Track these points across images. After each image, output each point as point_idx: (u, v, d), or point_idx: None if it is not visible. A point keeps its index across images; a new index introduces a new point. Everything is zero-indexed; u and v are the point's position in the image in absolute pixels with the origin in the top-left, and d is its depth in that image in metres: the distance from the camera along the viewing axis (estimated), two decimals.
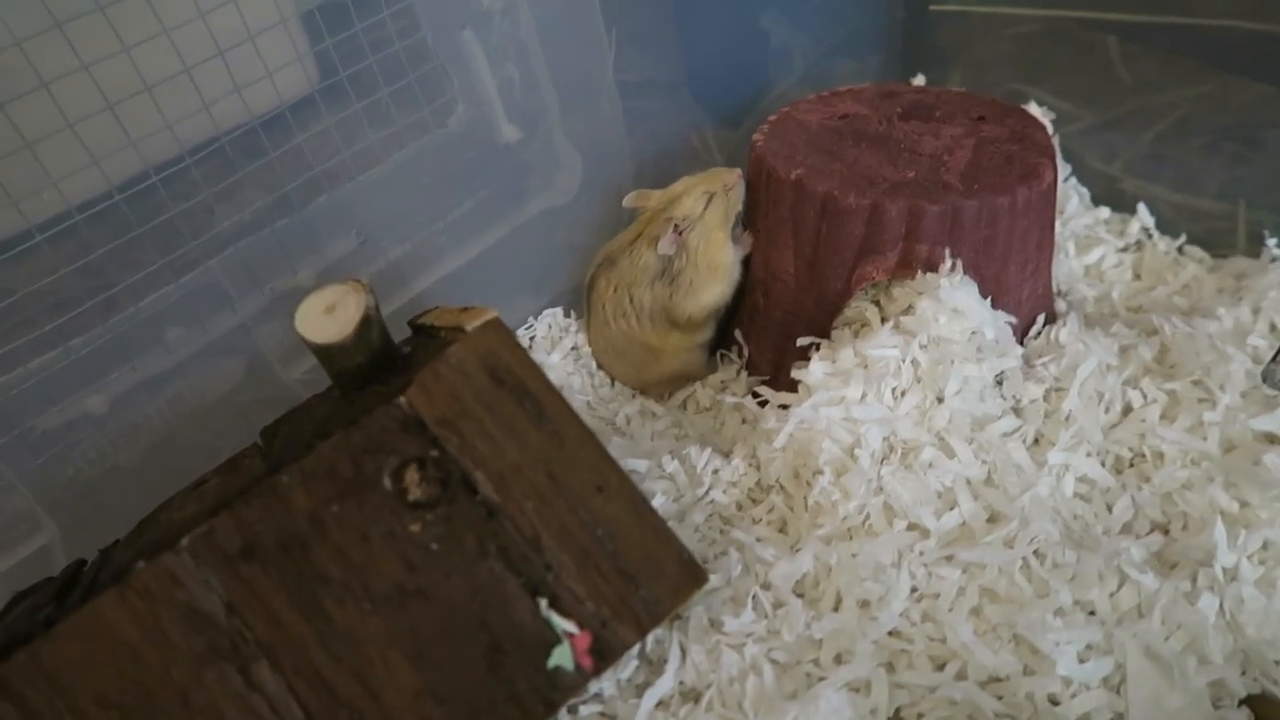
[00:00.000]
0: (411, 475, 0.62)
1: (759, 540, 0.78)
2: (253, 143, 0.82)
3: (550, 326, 1.08)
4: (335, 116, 0.87)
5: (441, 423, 0.63)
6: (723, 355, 1.03)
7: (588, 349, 1.05)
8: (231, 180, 0.82)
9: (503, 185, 1.01)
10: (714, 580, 0.73)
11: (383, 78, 0.88)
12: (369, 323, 0.67)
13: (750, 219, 0.96)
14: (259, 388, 0.88)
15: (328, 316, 0.67)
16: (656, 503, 0.81)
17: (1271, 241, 1.02)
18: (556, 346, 1.05)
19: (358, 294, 0.68)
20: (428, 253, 0.97)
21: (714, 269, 0.92)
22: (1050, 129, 1.14)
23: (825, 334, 0.88)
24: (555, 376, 1.01)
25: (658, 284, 0.93)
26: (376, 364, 0.70)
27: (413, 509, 0.62)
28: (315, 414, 0.73)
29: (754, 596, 0.73)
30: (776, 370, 0.93)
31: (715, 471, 0.85)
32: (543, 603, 0.63)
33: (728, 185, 0.92)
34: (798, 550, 0.75)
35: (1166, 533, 0.79)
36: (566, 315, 1.10)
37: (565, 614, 0.63)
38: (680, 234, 0.90)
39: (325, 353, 0.68)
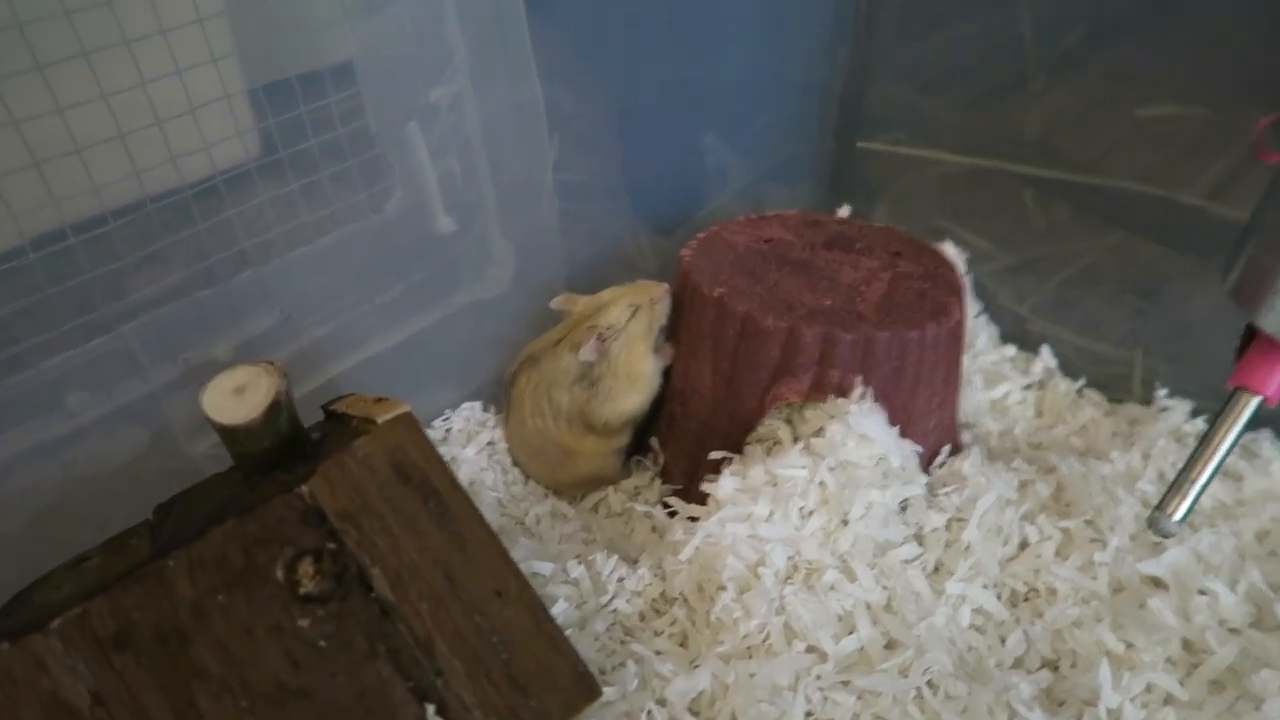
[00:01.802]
0: (306, 567, 0.60)
1: (658, 654, 0.77)
2: (181, 210, 0.81)
3: (468, 419, 1.07)
4: (271, 192, 0.86)
5: (342, 516, 0.61)
6: (638, 461, 1.03)
7: (504, 445, 1.05)
8: (155, 246, 0.80)
9: (434, 274, 1.01)
10: (609, 694, 0.72)
11: (323, 159, 0.88)
12: (278, 407, 0.66)
13: (673, 330, 0.98)
14: (161, 459, 0.85)
15: (236, 397, 0.65)
16: (559, 609, 0.80)
17: (1162, 392, 1.07)
18: (472, 440, 1.04)
19: (270, 377, 0.66)
20: (351, 335, 0.96)
21: (633, 379, 0.93)
22: (963, 268, 1.19)
23: (738, 449, 0.89)
24: (469, 471, 1.00)
25: (577, 387, 0.93)
26: (282, 449, 0.68)
27: (303, 603, 0.60)
28: (212, 495, 0.71)
29: (648, 713, 0.71)
30: (690, 480, 0.94)
31: (620, 580, 0.84)
32: (430, 709, 0.61)
33: (654, 299, 0.94)
34: (696, 667, 0.75)
35: (1056, 669, 0.80)
36: (485, 409, 1.09)
37: None
38: (603, 342, 0.91)
39: (230, 434, 0.66)
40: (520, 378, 0.98)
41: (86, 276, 0.76)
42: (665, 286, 0.95)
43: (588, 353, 0.90)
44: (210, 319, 0.85)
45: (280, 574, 0.60)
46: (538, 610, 0.65)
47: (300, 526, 0.61)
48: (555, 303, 0.98)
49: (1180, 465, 0.76)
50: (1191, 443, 1.00)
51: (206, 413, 0.65)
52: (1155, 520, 0.77)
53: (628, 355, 0.93)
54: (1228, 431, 0.75)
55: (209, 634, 0.58)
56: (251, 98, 0.84)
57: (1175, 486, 0.76)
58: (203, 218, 0.82)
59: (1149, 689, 0.77)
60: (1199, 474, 0.76)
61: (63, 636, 0.55)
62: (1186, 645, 0.79)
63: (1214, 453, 0.76)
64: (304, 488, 0.61)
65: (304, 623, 0.59)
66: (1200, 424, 1.03)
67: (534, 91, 0.98)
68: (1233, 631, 0.79)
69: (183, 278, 0.83)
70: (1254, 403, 0.74)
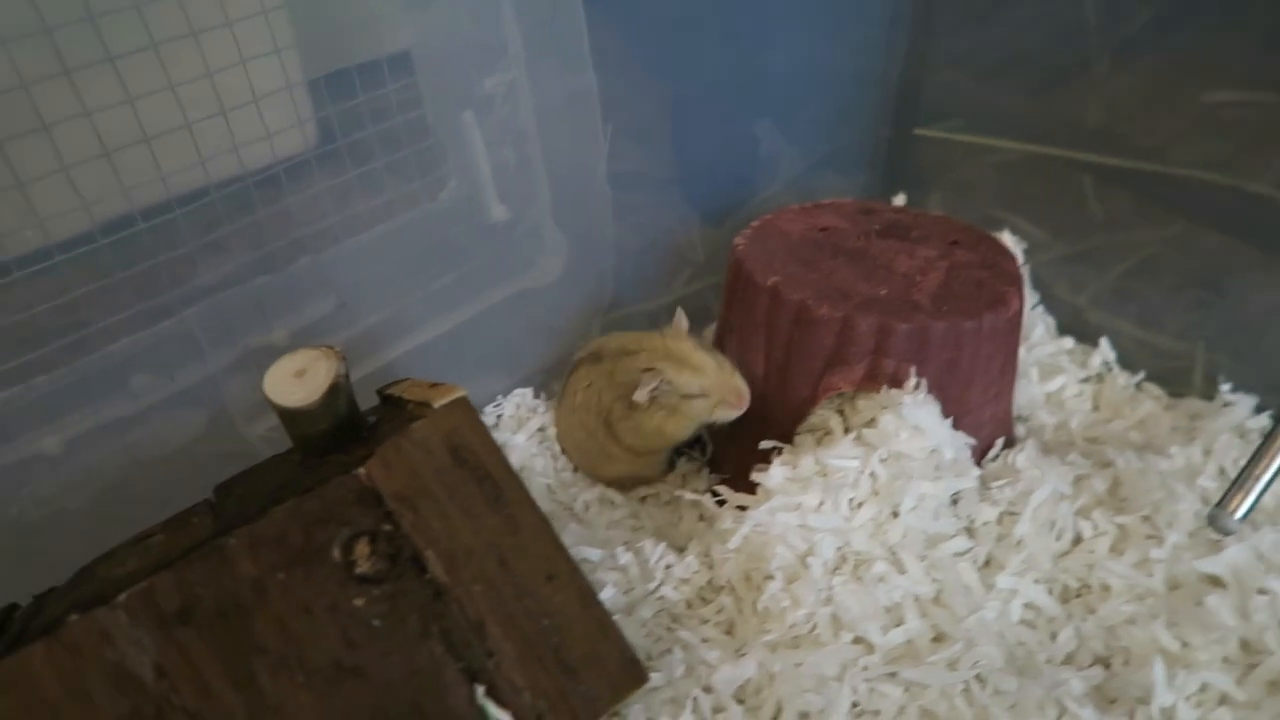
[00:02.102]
0: (362, 548, 0.62)
1: (704, 641, 0.77)
2: (242, 198, 0.83)
3: (519, 406, 1.08)
4: (328, 181, 0.88)
5: (398, 498, 0.62)
6: (687, 453, 1.03)
7: (554, 431, 1.05)
8: (218, 234, 0.82)
9: (486, 262, 1.02)
10: (655, 680, 0.72)
11: (380, 148, 0.89)
12: (337, 390, 0.67)
13: (726, 318, 0.98)
14: (219, 441, 0.87)
15: (296, 381, 0.67)
16: (606, 594, 0.80)
17: (1225, 386, 1.05)
18: (523, 427, 1.05)
19: (329, 360, 0.68)
20: (405, 321, 0.97)
21: (661, 435, 0.92)
22: (1021, 258, 1.17)
23: (789, 438, 0.89)
24: (519, 457, 1.01)
25: (620, 404, 0.93)
26: (340, 431, 0.69)
27: (359, 583, 0.61)
28: (272, 476, 0.72)
29: (694, 700, 0.72)
30: (738, 470, 0.94)
31: (668, 567, 0.85)
32: (480, 690, 0.62)
33: (727, 403, 0.89)
34: (742, 655, 0.75)
35: (1108, 666, 0.79)
36: (536, 396, 1.10)
37: (502, 703, 0.62)
38: (655, 392, 0.89)
39: (290, 416, 0.68)
40: (581, 368, 0.98)
41: (152, 262, 0.78)
42: (746, 400, 0.89)
43: (640, 395, 0.89)
44: (268, 305, 0.87)
45: (337, 554, 0.61)
46: (587, 595, 0.65)
47: (357, 508, 0.62)
48: (677, 319, 0.95)
49: (1243, 462, 0.75)
50: (1255, 439, 0.97)
51: (268, 395, 0.67)
52: (1216, 517, 0.75)
53: (666, 420, 0.91)
54: None
55: (268, 610, 0.59)
56: (311, 88, 0.85)
57: (1237, 483, 0.75)
58: (263, 205, 0.84)
59: (1204, 688, 0.75)
60: (1263, 471, 0.74)
61: (128, 610, 0.57)
62: (1244, 645, 0.77)
63: (1279, 449, 0.74)
64: (361, 470, 0.62)
65: (359, 602, 0.61)
66: (1265, 420, 1.01)
67: (588, 81, 0.98)
68: None
69: (243, 264, 0.85)
70: None
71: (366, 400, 0.79)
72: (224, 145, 0.80)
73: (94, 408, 0.80)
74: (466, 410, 0.65)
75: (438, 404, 0.65)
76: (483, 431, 0.65)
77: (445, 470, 0.64)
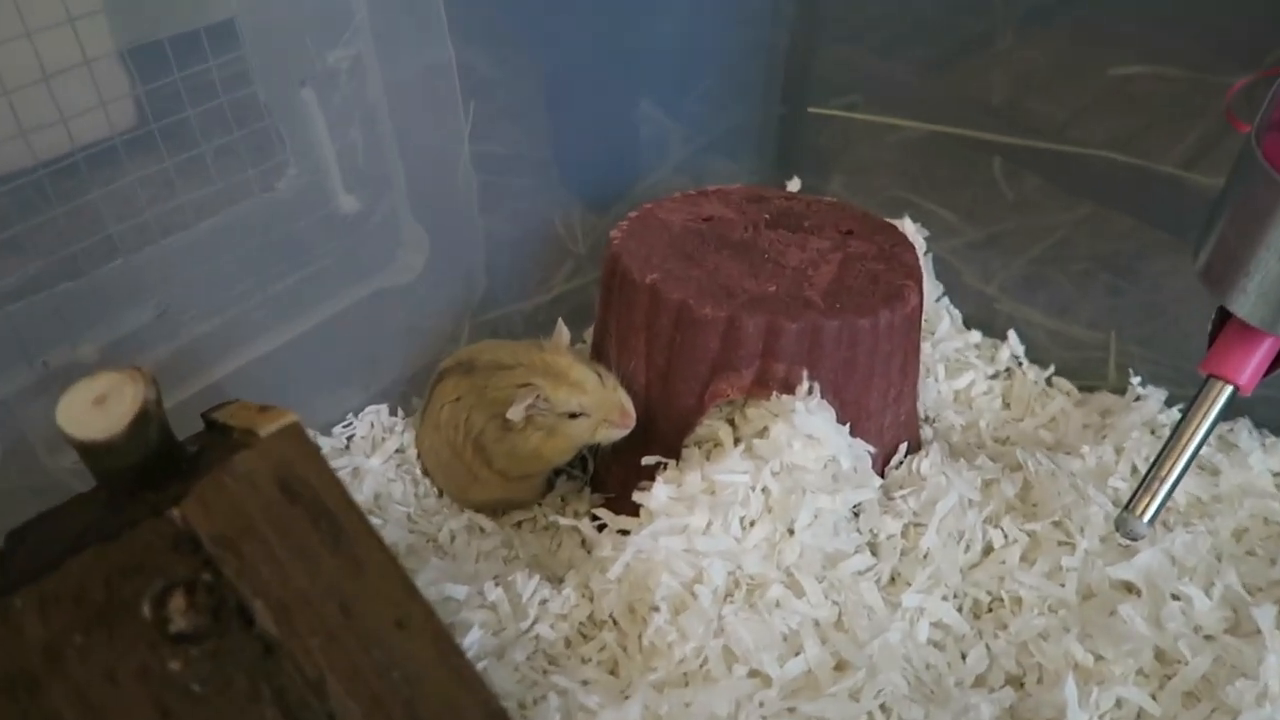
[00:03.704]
0: (177, 602, 0.59)
1: (585, 684, 0.77)
2: (36, 191, 0.79)
3: (374, 425, 1.05)
4: (144, 170, 0.84)
5: (219, 541, 0.60)
6: (566, 471, 1.03)
7: (415, 452, 1.03)
8: (9, 232, 0.78)
9: (334, 260, 0.99)
10: None
11: (205, 131, 0.86)
12: (145, 418, 0.64)
13: (603, 321, 0.97)
14: (19, 476, 0.83)
15: (96, 409, 0.63)
16: (473, 637, 0.79)
17: (1136, 379, 1.09)
18: (378, 449, 1.03)
19: (135, 384, 0.64)
20: (240, 331, 0.94)
21: (538, 459, 0.92)
22: (923, 246, 1.20)
23: (675, 453, 0.89)
24: (374, 484, 0.99)
25: (493, 424, 0.91)
26: (153, 465, 0.66)
27: (175, 642, 0.58)
28: (74, 520, 0.68)
29: None
30: (622, 488, 0.93)
31: (543, 602, 0.84)
32: None
33: (610, 423, 0.89)
34: (627, 698, 0.74)
35: (1021, 686, 0.82)
36: (394, 413, 1.08)
37: None
38: (531, 410, 0.88)
39: (90, 451, 0.64)
40: (448, 379, 0.96)
41: None
42: (632, 420, 0.90)
43: (515, 413, 0.88)
44: (73, 316, 0.83)
45: (148, 610, 0.58)
46: (444, 641, 0.64)
47: (171, 554, 0.59)
48: (558, 332, 0.94)
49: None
50: (1167, 434, 1.02)
51: (62, 427, 0.63)
52: (1123, 522, 0.78)
53: (544, 442, 0.90)
54: (1200, 423, 0.77)
55: (65, 681, 0.56)
56: (118, 61, 0.82)
57: (1144, 485, 0.77)
58: (61, 200, 0.80)
59: (1119, 704, 0.78)
60: (1169, 470, 0.77)
61: None
62: (1159, 655, 0.81)
63: (1185, 447, 0.77)
64: (175, 510, 0.59)
65: (175, 664, 0.58)
66: (1176, 414, 1.05)
67: (446, 54, 0.96)
68: (1208, 639, 0.81)
69: (41, 268, 0.81)
70: (1227, 392, 0.75)
71: (192, 424, 0.75)
72: (8, 130, 0.75)
73: None
74: (298, 438, 0.63)
75: (264, 432, 0.62)
76: (318, 462, 0.63)
77: (274, 508, 0.61)
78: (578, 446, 0.92)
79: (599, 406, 0.88)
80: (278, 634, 0.60)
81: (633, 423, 0.89)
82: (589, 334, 1.15)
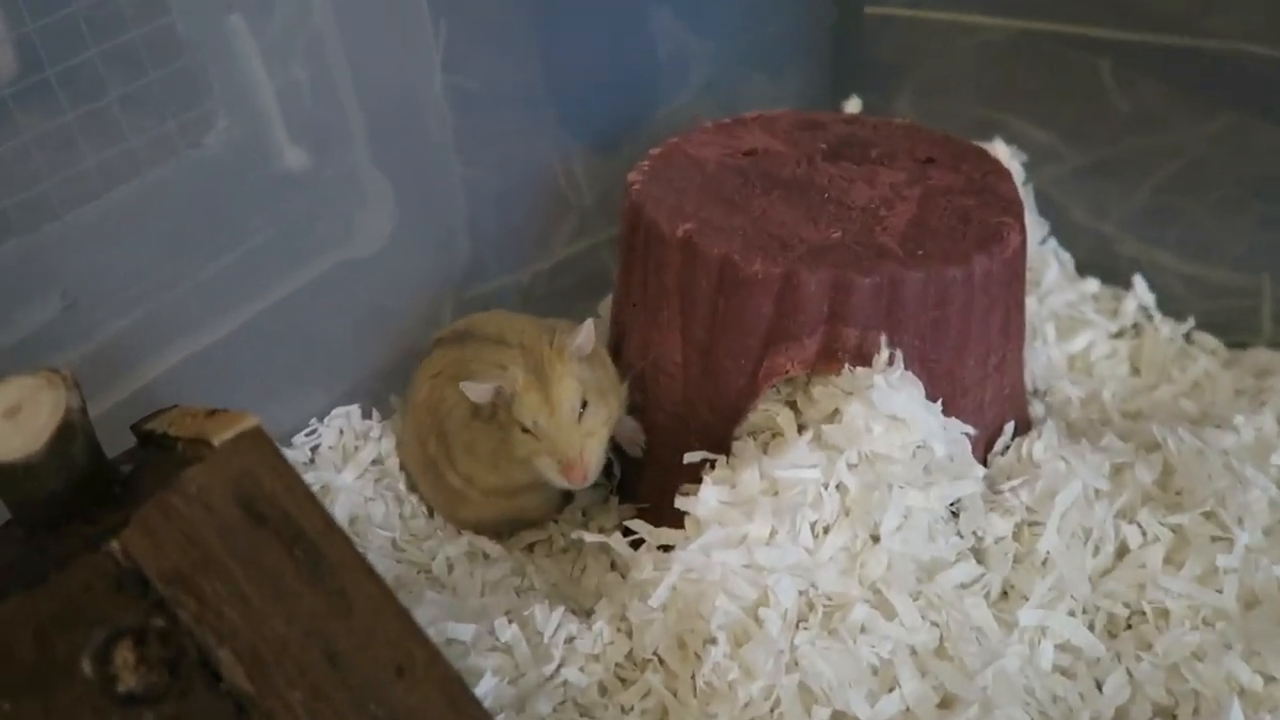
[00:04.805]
0: (124, 656, 0.60)
1: None
2: None
3: (343, 432, 1.07)
4: (38, 127, 0.85)
5: (172, 579, 0.61)
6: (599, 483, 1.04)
7: (396, 462, 1.05)
8: None
9: (282, 230, 1.00)
10: None
11: (110, 76, 0.87)
12: (70, 432, 0.65)
13: (625, 286, 0.98)
14: None
15: (8, 423, 0.65)
16: (486, 686, 0.80)
17: None
18: (350, 460, 1.04)
19: (54, 389, 0.66)
20: (169, 323, 0.95)
21: (494, 466, 0.93)
22: (1020, 175, 1.20)
23: (723, 447, 0.90)
24: (349, 504, 1.00)
25: (463, 404, 0.92)
26: (80, 491, 0.68)
27: (125, 705, 0.60)
28: None
29: None
30: (659, 495, 0.95)
31: (570, 640, 0.85)
32: None
33: (559, 463, 0.89)
34: None
35: (1174, 718, 0.82)
36: (366, 416, 1.09)
37: None
38: (498, 396, 0.89)
39: (3, 475, 0.66)
40: (437, 351, 0.98)
41: None
42: (580, 477, 0.90)
43: (470, 390, 0.88)
44: None
45: (89, 667, 0.59)
46: (455, 688, 0.65)
47: (113, 598, 0.60)
48: (584, 331, 0.91)
49: None
50: None
51: None
52: None
53: (499, 445, 0.91)
54: None
55: None
56: None
57: None
58: None
59: None
60: None
61: None
62: None
63: None
64: (114, 543, 0.60)
65: None
66: None
67: None
68: None
69: None
70: None
71: (118, 443, 0.77)
72: None
73: None
74: (260, 445, 0.64)
75: (218, 440, 0.64)
76: (287, 473, 0.64)
77: (237, 533, 0.62)
78: (528, 468, 0.91)
79: (554, 439, 0.88)
80: (251, 690, 0.61)
81: (581, 481, 0.90)
82: (603, 307, 1.16)
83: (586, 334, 0.91)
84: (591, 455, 0.90)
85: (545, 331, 0.93)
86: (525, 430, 0.89)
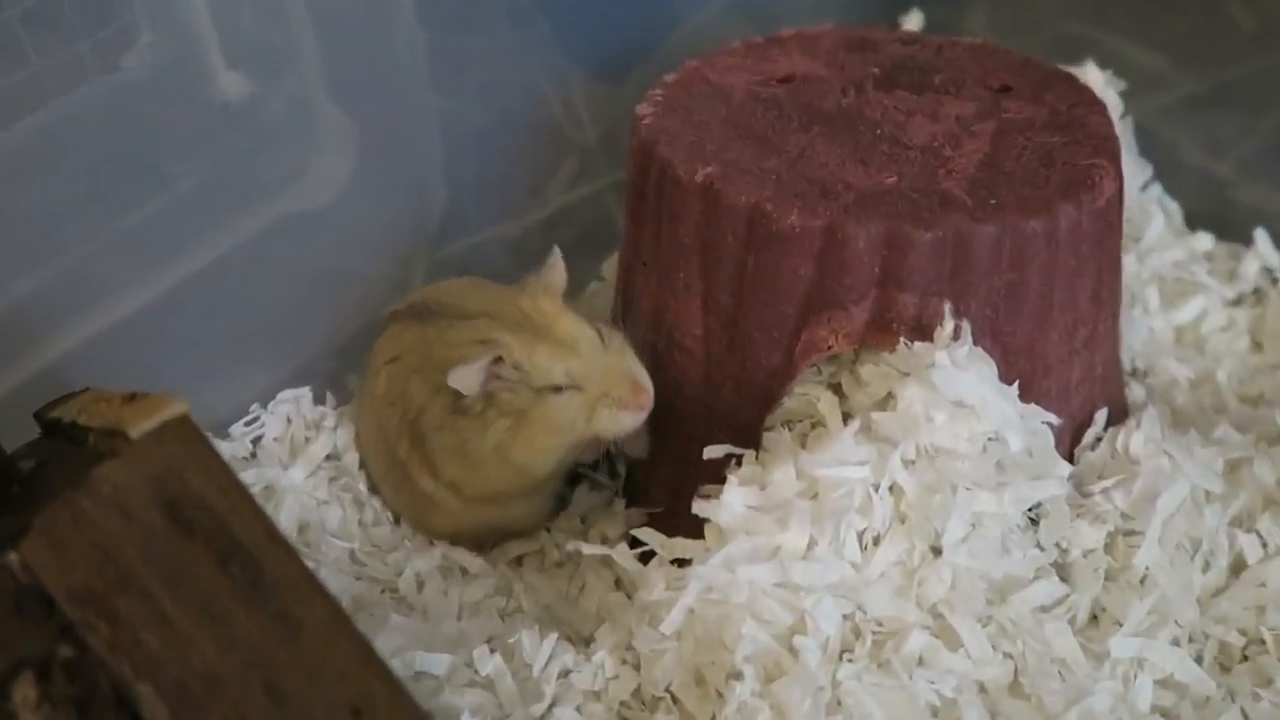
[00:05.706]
0: (24, 692, 0.61)
1: None
2: None
3: (290, 420, 1.07)
4: None
5: (82, 599, 0.62)
6: (587, 476, 1.04)
7: (355, 457, 1.06)
8: None
9: (217, 173, 1.01)
10: None
11: None
12: None
13: (634, 241, 0.98)
14: None
15: None
16: None
17: None
18: (299, 455, 1.04)
19: None
20: (80, 288, 0.96)
21: (505, 465, 0.93)
22: (1118, 107, 1.20)
23: (752, 439, 0.90)
24: (297, 508, 1.01)
25: (437, 400, 0.92)
26: None
27: None
28: None
29: None
30: (674, 498, 0.95)
31: (565, 674, 0.85)
32: None
33: (617, 400, 0.89)
34: None
35: None
36: (319, 401, 1.10)
37: None
38: (489, 380, 0.88)
39: None
40: (391, 329, 0.98)
41: None
42: (648, 400, 0.89)
43: (461, 379, 0.87)
44: None
45: None
46: None
47: (11, 622, 0.61)
48: (550, 268, 0.93)
49: None
50: None
51: None
52: None
53: (514, 434, 0.90)
54: None
55: None
56: None
57: None
58: None
59: None
60: None
61: None
62: None
63: None
64: (12, 555, 0.61)
65: None
66: None
67: None
68: None
69: None
70: None
71: (18, 433, 0.77)
72: None
73: None
74: (188, 437, 0.64)
75: (137, 431, 0.64)
76: (221, 472, 0.65)
77: (161, 544, 0.63)
78: (566, 446, 0.92)
79: (595, 377, 0.88)
80: None
81: (649, 403, 0.89)
82: (608, 267, 1.16)
83: (555, 269, 0.93)
84: (641, 371, 0.90)
85: (514, 292, 0.94)
86: (557, 389, 0.88)
